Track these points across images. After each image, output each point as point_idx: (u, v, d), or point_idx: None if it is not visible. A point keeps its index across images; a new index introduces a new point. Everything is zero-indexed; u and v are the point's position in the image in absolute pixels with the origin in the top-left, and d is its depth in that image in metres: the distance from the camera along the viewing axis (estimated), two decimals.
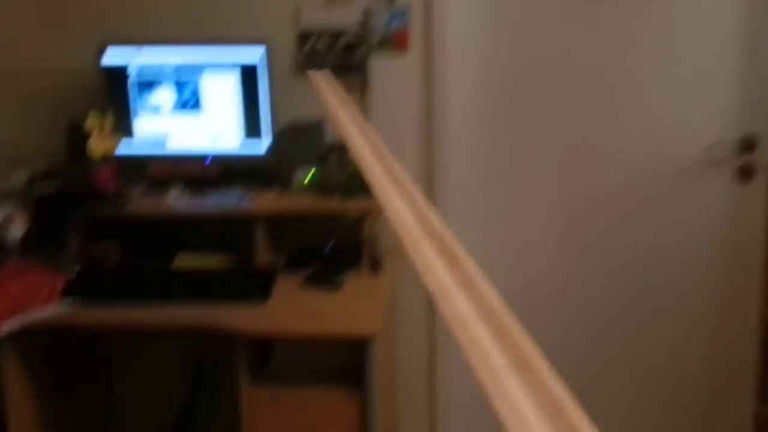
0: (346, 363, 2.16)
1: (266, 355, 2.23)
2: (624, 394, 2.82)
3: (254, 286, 2.20)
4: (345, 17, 2.62)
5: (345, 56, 2.63)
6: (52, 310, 2.06)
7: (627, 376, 2.82)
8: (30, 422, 2.26)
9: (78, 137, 2.49)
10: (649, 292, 2.75)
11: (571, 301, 2.79)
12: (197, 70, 2.49)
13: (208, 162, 2.53)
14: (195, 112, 2.51)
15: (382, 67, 2.62)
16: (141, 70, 2.50)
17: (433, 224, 0.62)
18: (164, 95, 2.51)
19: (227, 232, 2.55)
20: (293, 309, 2.13)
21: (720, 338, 2.75)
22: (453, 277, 0.55)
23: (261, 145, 2.51)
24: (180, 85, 2.50)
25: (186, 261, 2.39)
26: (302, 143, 2.58)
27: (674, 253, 2.72)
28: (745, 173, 2.64)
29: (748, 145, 2.61)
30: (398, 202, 0.66)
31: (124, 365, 2.84)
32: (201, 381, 2.76)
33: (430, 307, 2.74)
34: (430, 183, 2.67)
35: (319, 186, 2.54)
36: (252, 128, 2.51)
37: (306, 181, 2.53)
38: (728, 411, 2.77)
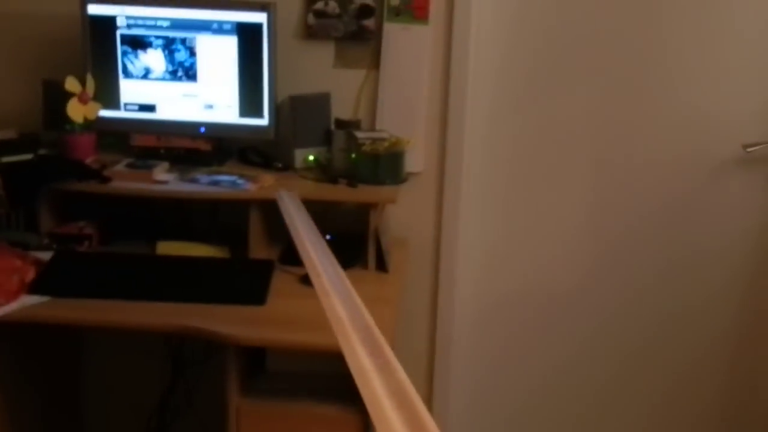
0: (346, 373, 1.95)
1: (259, 360, 2.02)
2: (645, 402, 2.66)
3: (249, 285, 1.97)
4: None
5: (357, 21, 2.37)
6: (19, 303, 1.82)
7: (649, 383, 2.65)
8: None
9: (55, 98, 2.22)
10: (676, 296, 2.57)
11: (593, 302, 2.60)
12: (192, 28, 2.22)
13: (202, 131, 2.27)
14: (189, 78, 2.25)
15: (398, 37, 2.37)
16: (131, 23, 2.23)
17: (364, 320, 0.77)
18: (155, 56, 2.24)
19: (219, 214, 2.31)
20: (290, 314, 1.89)
21: (747, 348, 2.58)
22: (372, 363, 0.66)
23: (260, 119, 2.26)
24: (173, 47, 2.23)
25: (171, 247, 2.15)
26: (306, 118, 2.32)
27: (705, 257, 2.53)
28: None
29: None
30: (338, 304, 0.81)
31: (94, 357, 2.61)
32: (181, 382, 2.54)
33: (432, 310, 2.53)
34: (440, 172, 2.43)
35: (322, 168, 2.30)
36: (252, 99, 2.25)
37: (312, 160, 2.29)
38: (754, 419, 2.63)
